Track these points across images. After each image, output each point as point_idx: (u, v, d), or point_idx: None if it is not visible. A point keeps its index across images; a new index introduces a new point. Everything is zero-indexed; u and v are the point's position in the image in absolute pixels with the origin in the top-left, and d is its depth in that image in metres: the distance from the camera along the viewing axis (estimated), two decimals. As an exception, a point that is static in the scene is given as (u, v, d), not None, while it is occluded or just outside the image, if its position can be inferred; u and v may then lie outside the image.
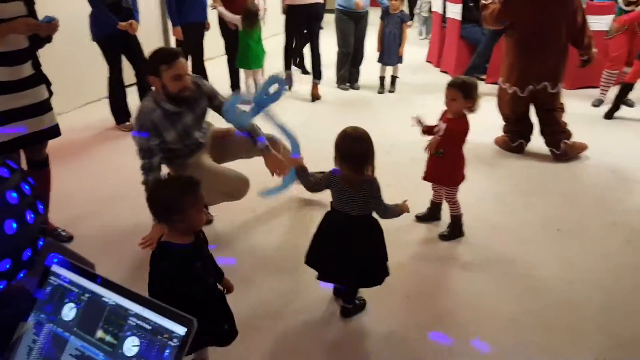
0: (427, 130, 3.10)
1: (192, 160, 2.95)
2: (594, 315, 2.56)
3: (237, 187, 2.98)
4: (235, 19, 5.43)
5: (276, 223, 3.36)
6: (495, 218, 3.41)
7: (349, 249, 2.31)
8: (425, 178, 3.17)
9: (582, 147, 4.34)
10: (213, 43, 5.80)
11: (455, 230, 3.19)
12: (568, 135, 4.28)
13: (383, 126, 5.05)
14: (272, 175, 2.96)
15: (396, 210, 2.37)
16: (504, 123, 4.49)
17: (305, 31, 6.12)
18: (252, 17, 5.39)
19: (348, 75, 6.29)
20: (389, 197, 2.37)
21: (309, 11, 5.66)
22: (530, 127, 4.41)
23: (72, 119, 5.09)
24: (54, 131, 2.86)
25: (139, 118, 2.74)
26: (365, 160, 2.24)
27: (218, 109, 2.96)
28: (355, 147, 2.23)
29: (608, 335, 2.42)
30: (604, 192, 3.81)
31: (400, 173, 3.93)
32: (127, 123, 4.90)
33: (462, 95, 2.90)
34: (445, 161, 3.03)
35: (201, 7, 5.27)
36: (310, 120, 5.23)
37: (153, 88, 2.77)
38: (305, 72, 6.88)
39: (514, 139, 4.44)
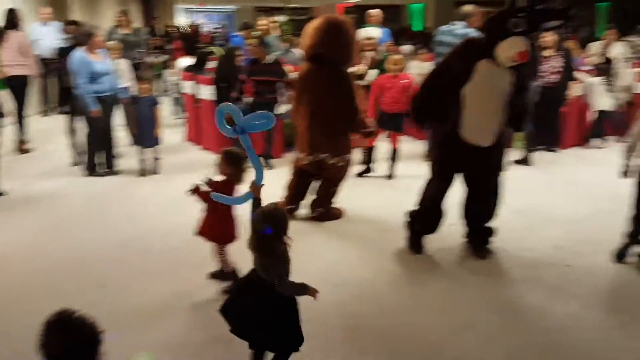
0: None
1: None
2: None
3: None
4: None
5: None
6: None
7: (252, 309, 2.43)
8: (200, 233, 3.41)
9: (337, 215, 4.82)
10: None
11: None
12: (327, 207, 4.76)
13: (153, 212, 4.91)
14: None
15: (298, 289, 2.45)
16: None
17: None
18: None
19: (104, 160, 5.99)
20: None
21: None
22: (302, 196, 4.78)
23: None
24: None
25: None
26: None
27: None
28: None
29: None
30: (369, 244, 4.31)
31: (177, 259, 3.90)
32: None
33: (226, 161, 3.26)
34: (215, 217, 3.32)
35: None
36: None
37: None
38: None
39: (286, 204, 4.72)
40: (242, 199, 3.00)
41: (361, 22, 7.80)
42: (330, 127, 4.48)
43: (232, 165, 3.26)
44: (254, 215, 2.53)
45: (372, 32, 6.45)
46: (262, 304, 2.43)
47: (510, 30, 3.56)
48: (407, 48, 9.57)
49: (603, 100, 7.11)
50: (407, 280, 3.77)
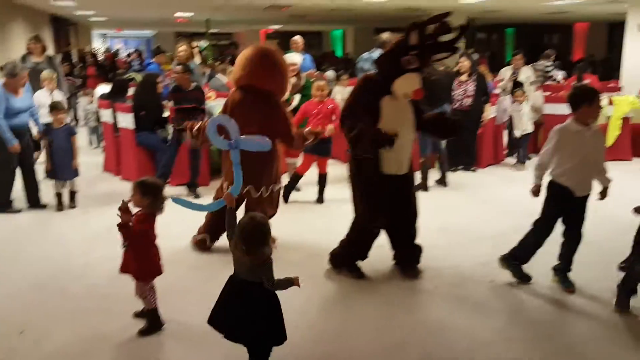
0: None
1: None
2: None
3: None
4: None
5: None
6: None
7: (244, 311, 2.65)
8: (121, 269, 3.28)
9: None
10: None
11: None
12: None
13: (70, 249, 4.65)
14: None
15: (287, 283, 2.71)
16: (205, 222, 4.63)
17: None
18: None
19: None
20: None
21: None
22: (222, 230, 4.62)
23: None
24: None
25: None
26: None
27: None
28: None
29: None
30: (300, 271, 4.24)
31: (98, 298, 3.72)
32: None
33: (140, 192, 3.13)
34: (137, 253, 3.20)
35: None
36: None
37: None
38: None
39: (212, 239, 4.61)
40: (210, 206, 3.24)
41: (283, 48, 7.88)
42: (260, 157, 4.28)
43: (148, 195, 3.13)
44: (243, 223, 2.66)
45: (294, 58, 6.53)
46: (253, 303, 2.65)
47: (403, 68, 3.73)
48: (330, 74, 9.76)
49: (527, 124, 7.56)
50: (339, 306, 3.77)
